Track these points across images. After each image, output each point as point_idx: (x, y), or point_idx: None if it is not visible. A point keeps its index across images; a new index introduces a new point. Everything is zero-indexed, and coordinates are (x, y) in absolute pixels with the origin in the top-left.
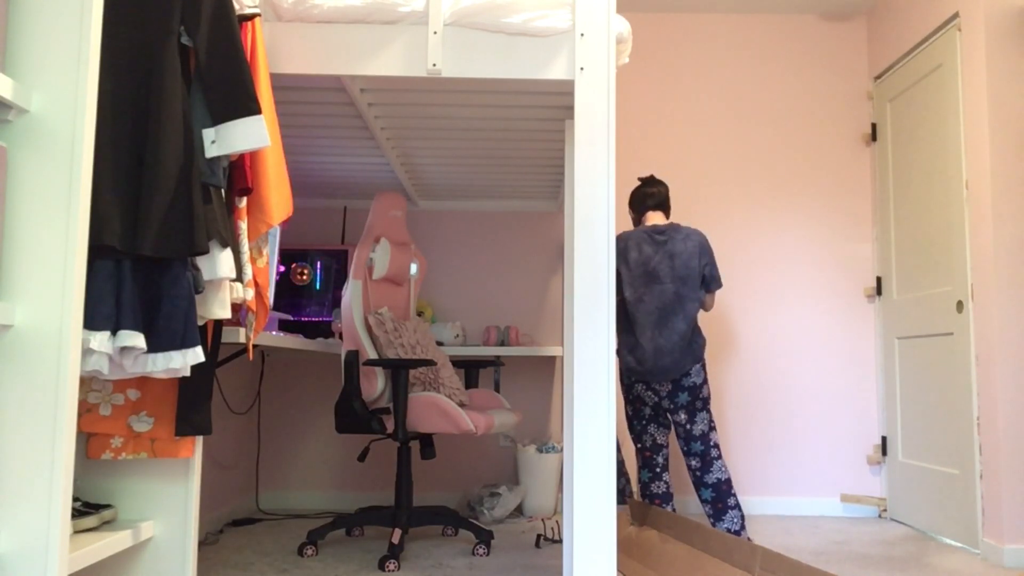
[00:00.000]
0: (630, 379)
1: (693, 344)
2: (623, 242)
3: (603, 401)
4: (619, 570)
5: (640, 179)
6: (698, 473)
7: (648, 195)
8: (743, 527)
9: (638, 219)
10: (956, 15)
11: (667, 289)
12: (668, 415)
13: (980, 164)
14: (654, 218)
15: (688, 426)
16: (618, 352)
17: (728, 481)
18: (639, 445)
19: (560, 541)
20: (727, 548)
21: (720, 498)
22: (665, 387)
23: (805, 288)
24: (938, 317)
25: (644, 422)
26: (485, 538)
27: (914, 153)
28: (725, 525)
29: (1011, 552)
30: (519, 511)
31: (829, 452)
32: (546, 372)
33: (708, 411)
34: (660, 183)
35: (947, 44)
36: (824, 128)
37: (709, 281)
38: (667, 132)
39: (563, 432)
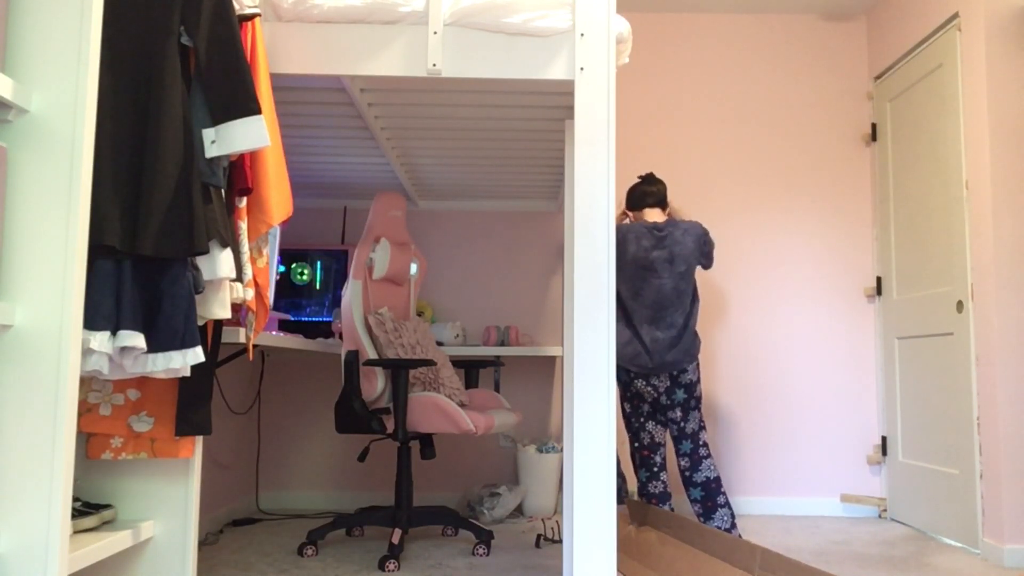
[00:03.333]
0: (628, 375)
1: (691, 343)
2: (623, 235)
3: (603, 401)
4: (619, 570)
5: (639, 177)
6: (687, 473)
7: (647, 193)
8: (734, 525)
9: (636, 216)
10: (956, 15)
11: (665, 284)
12: (666, 412)
13: (980, 164)
14: (652, 215)
15: (682, 423)
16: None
17: (717, 480)
18: (636, 443)
19: (560, 541)
20: (727, 548)
21: (710, 496)
22: (664, 382)
23: (805, 288)
24: (938, 317)
25: (643, 419)
26: (485, 538)
27: (914, 153)
28: (716, 523)
29: (1011, 552)
30: (519, 511)
31: (829, 452)
32: (546, 372)
33: (699, 410)
34: (659, 181)
35: (947, 44)
36: (824, 128)
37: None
38: (667, 132)
39: (563, 432)
